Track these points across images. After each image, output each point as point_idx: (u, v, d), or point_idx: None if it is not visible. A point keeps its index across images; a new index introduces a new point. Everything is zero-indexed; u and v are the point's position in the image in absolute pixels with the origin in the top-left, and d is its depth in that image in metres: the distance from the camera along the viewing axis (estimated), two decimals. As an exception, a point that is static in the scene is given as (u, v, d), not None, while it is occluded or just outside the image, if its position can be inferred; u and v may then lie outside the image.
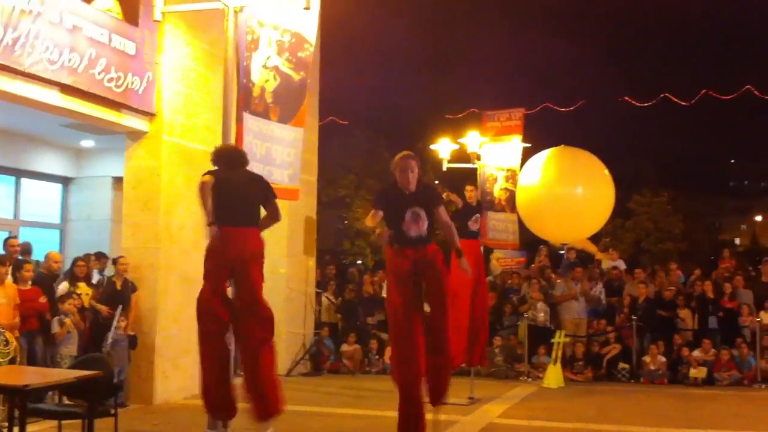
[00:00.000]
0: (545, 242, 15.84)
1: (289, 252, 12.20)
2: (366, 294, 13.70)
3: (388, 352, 12.71)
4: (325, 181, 20.89)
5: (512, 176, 17.21)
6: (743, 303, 12.22)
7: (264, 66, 8.71)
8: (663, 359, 11.74)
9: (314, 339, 12.71)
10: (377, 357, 12.72)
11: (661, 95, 21.01)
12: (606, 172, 14.45)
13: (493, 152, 17.82)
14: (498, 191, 17.66)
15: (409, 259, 6.17)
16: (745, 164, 79.77)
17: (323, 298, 13.53)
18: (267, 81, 8.78)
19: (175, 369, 9.33)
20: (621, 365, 11.97)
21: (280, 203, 10.66)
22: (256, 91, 8.55)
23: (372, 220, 6.27)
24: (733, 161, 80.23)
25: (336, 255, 20.11)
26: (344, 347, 12.75)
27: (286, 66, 8.97)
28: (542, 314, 12.72)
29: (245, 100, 8.17)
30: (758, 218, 70.62)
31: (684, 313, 12.33)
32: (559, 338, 11.60)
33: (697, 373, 11.46)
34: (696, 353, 11.77)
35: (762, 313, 11.99)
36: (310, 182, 12.77)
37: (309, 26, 9.10)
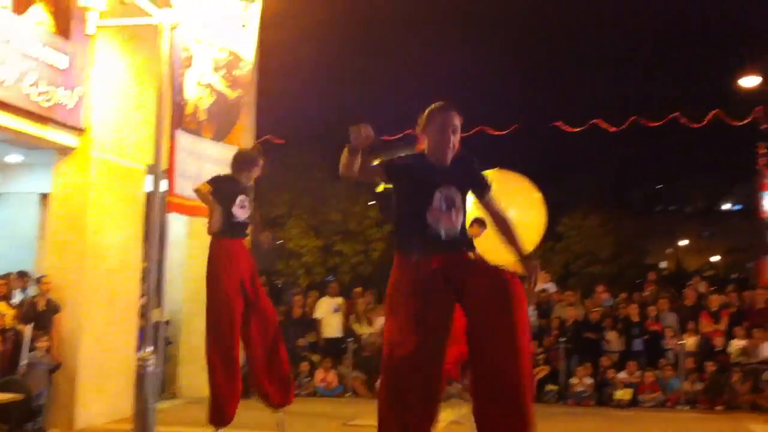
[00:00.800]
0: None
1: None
2: (296, 315, 13.60)
3: (318, 374, 12.65)
4: (259, 201, 20.71)
5: (446, 198, 17.44)
6: (667, 326, 12.55)
7: (198, 83, 8.65)
8: (590, 381, 11.94)
9: (244, 361, 12.52)
10: (307, 379, 12.62)
11: (592, 121, 21.47)
12: (538, 195, 14.71)
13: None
14: (432, 212, 17.88)
15: (436, 273, 4.10)
16: (672, 190, 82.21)
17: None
18: (201, 98, 8.72)
19: (99, 392, 9.10)
20: (549, 387, 12.13)
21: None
22: (189, 109, 8.48)
23: (348, 162, 4.16)
24: (660, 186, 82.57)
25: (269, 275, 19.90)
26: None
27: (222, 84, 8.93)
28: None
29: (178, 117, 8.09)
30: (683, 242, 72.73)
31: (611, 336, 12.59)
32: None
33: (623, 394, 11.69)
34: (621, 375, 12.01)
35: (685, 336, 12.32)
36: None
37: (246, 45, 9.08)
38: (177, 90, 8.05)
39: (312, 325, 13.57)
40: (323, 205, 25.79)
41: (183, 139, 8.22)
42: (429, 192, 4.13)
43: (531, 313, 13.23)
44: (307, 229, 25.59)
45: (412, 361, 3.99)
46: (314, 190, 26.36)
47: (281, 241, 26.03)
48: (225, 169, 7.05)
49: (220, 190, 6.53)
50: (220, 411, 6.75)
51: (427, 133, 4.33)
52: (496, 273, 4.19)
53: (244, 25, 7.73)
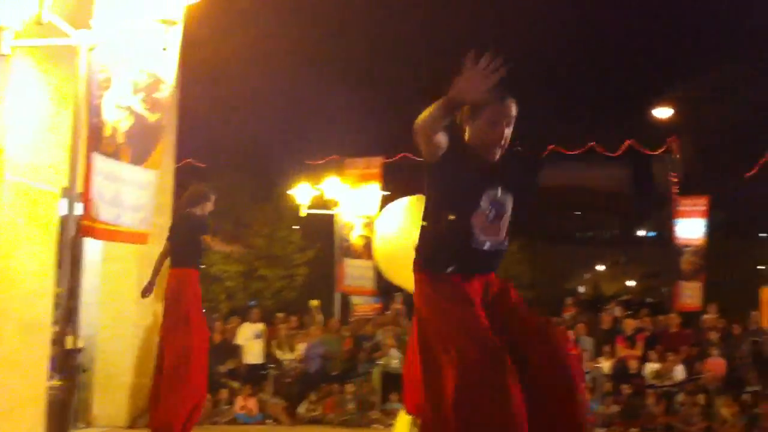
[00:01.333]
0: (401, 288, 16.07)
1: (137, 298, 11.76)
2: (216, 341, 13.38)
3: (238, 401, 12.45)
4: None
5: (370, 224, 17.49)
6: (584, 349, 12.81)
7: (117, 105, 8.48)
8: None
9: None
10: (227, 407, 12.41)
11: (513, 148, 21.89)
12: (459, 221, 14.93)
13: (352, 199, 18.10)
14: (356, 238, 17.90)
15: (475, 295, 3.44)
16: (590, 215, 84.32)
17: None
18: (119, 121, 8.55)
19: (9, 422, 8.75)
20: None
21: (131, 248, 10.38)
22: (107, 131, 8.30)
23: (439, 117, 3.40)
24: (578, 213, 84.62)
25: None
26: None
27: (141, 106, 8.78)
28: (396, 360, 12.84)
29: (95, 140, 7.92)
30: (600, 268, 74.52)
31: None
32: (412, 385, 11.72)
33: (542, 418, 11.84)
34: (541, 399, 12.17)
35: (601, 360, 12.60)
36: (163, 226, 12.43)
37: (167, 66, 8.96)
38: (94, 112, 7.88)
39: (233, 351, 13.39)
40: (246, 229, 25.56)
41: (100, 162, 8.04)
42: (477, 193, 3.47)
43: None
44: (228, 254, 25.27)
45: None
46: (237, 215, 26.13)
47: (203, 266, 25.68)
48: (144, 194, 7.12)
49: (185, 226, 7.16)
50: None
51: (472, 124, 3.57)
52: (554, 342, 3.43)
53: (164, 48, 7.62)
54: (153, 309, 12.25)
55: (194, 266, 7.23)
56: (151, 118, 8.54)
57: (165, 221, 12.43)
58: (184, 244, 7.33)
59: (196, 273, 7.20)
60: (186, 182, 22.86)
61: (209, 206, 7.41)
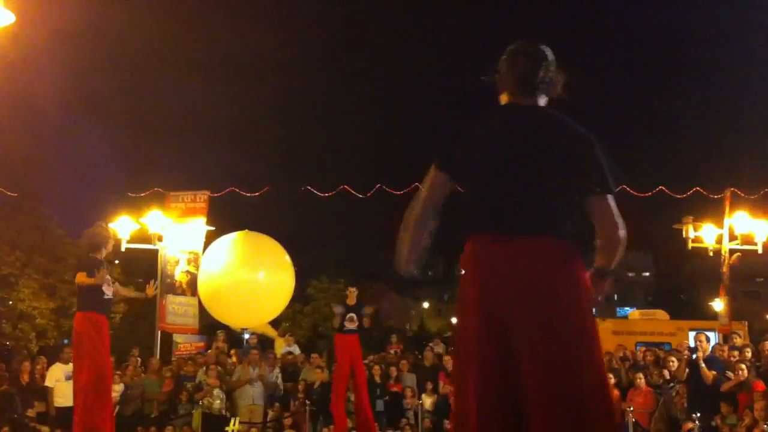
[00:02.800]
0: (225, 326, 15.74)
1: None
2: (23, 382, 12.52)
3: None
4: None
5: (195, 259, 17.06)
6: (407, 386, 13.02)
7: None
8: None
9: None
10: (35, 453, 11.61)
11: (340, 187, 22.15)
12: (287, 258, 14.83)
13: (176, 234, 17.58)
14: (180, 274, 17.38)
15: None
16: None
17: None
18: None
19: None
20: (294, 451, 12.07)
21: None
22: None
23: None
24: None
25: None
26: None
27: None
28: (218, 401, 12.49)
29: None
30: (425, 305, 76.47)
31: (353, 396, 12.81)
32: (233, 426, 11.44)
33: (366, 455, 11.88)
34: (364, 436, 12.23)
35: (424, 396, 12.84)
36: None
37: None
38: None
39: (42, 393, 12.55)
40: (60, 264, 24.18)
41: None
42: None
43: (276, 375, 13.18)
44: (39, 290, 23.80)
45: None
46: (50, 249, 24.70)
47: (10, 302, 24.02)
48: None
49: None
50: None
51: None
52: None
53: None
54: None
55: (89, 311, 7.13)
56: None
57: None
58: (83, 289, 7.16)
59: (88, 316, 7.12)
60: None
61: (110, 247, 7.36)
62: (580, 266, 3.04)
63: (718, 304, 18.43)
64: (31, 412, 12.25)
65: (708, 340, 11.56)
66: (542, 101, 3.24)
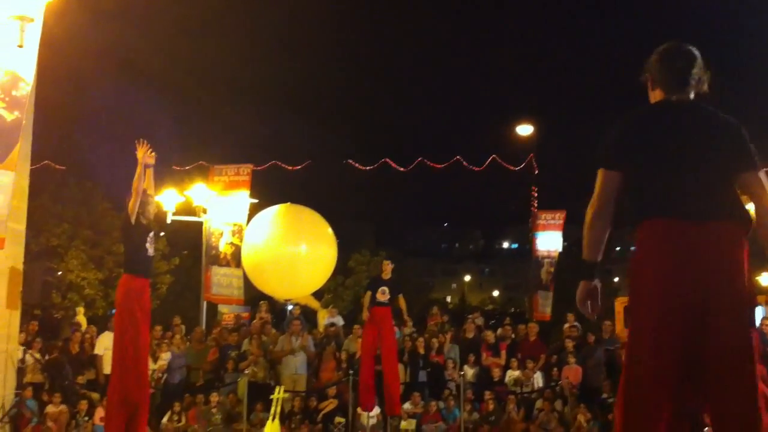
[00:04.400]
0: (269, 297, 15.96)
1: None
2: (73, 352, 12.86)
3: (98, 413, 11.99)
4: (33, 230, 19.45)
5: (239, 231, 17.24)
6: (449, 358, 13.10)
7: (-30, 102, 8.05)
8: (377, 412, 12.18)
9: (15, 400, 11.64)
10: (86, 419, 11.93)
11: (382, 160, 22.20)
12: (329, 230, 14.94)
13: (220, 207, 17.79)
14: (224, 246, 17.59)
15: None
16: (455, 228, 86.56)
17: (27, 356, 12.48)
18: (-27, 118, 8.11)
19: None
20: (337, 419, 12.24)
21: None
22: (-43, 129, 7.86)
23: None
24: (445, 225, 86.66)
25: (45, 309, 18.69)
26: (49, 408, 11.80)
27: (-2, 104, 8.35)
28: (263, 370, 12.71)
29: (-56, 137, 7.48)
30: (466, 278, 76.54)
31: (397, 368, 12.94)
32: (278, 394, 11.63)
33: (407, 425, 12.02)
34: (406, 406, 12.36)
35: (466, 367, 12.92)
36: (18, 231, 11.80)
37: (26, 64, 8.57)
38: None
39: (91, 361, 12.89)
40: (105, 236, 24.62)
41: (-51, 161, 7.59)
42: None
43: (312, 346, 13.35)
44: (87, 261, 24.27)
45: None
46: (95, 222, 25.15)
47: (60, 272, 24.54)
48: (1, 197, 6.84)
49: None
50: None
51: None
52: None
53: (21, 45, 7.29)
54: (7, 318, 11.64)
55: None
56: (9, 117, 8.14)
57: (20, 226, 11.83)
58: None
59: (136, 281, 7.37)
60: (42, 186, 21.83)
61: (152, 210, 7.53)
62: (747, 249, 3.33)
63: None
64: (81, 380, 12.59)
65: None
66: (692, 96, 3.55)
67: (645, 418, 3.25)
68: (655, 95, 3.62)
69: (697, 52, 3.57)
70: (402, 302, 11.50)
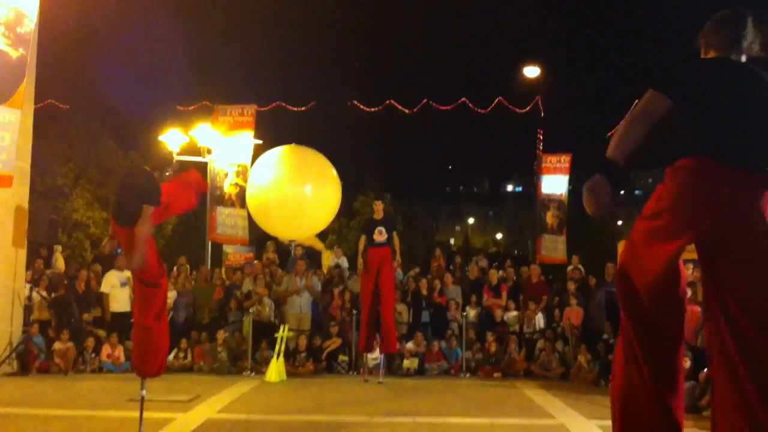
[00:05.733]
0: (273, 238, 16.04)
1: (-5, 242, 11.28)
2: (80, 290, 13.00)
3: (105, 349, 12.19)
4: (39, 169, 19.50)
5: (243, 172, 17.27)
6: (451, 299, 13.24)
7: (-27, 39, 8.00)
8: (378, 351, 12.34)
9: (22, 337, 11.84)
10: (93, 355, 12.13)
11: (387, 102, 22.05)
12: (334, 172, 14.96)
13: (225, 147, 17.79)
14: (229, 186, 17.64)
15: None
16: (460, 171, 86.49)
17: (34, 294, 12.64)
18: (-24, 55, 8.08)
19: None
20: (341, 358, 12.42)
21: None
22: (-39, 66, 7.83)
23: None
24: (450, 168, 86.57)
25: (51, 248, 18.79)
26: (57, 345, 12.00)
27: (2, 42, 8.31)
28: (267, 309, 12.86)
29: (-52, 74, 7.46)
30: (470, 221, 76.74)
31: (400, 308, 13.09)
32: (283, 332, 11.80)
33: (410, 363, 12.21)
34: (409, 345, 12.54)
35: (468, 308, 13.05)
36: (23, 169, 11.86)
37: (30, 0, 8.51)
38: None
39: (97, 299, 13.05)
40: (111, 176, 24.69)
41: (-47, 98, 7.58)
42: None
43: (318, 285, 13.45)
44: (93, 201, 24.37)
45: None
46: (101, 161, 25.17)
47: (64, 212, 24.66)
48: (6, 135, 6.82)
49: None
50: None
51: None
52: None
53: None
54: (14, 257, 11.76)
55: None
56: (14, 54, 8.11)
57: (25, 164, 11.86)
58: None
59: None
60: (46, 124, 21.80)
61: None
62: None
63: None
64: (87, 317, 12.77)
65: None
66: (743, 59, 3.69)
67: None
68: (710, 55, 3.75)
69: (748, 16, 3.69)
70: (396, 240, 11.44)
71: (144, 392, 6.69)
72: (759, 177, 3.37)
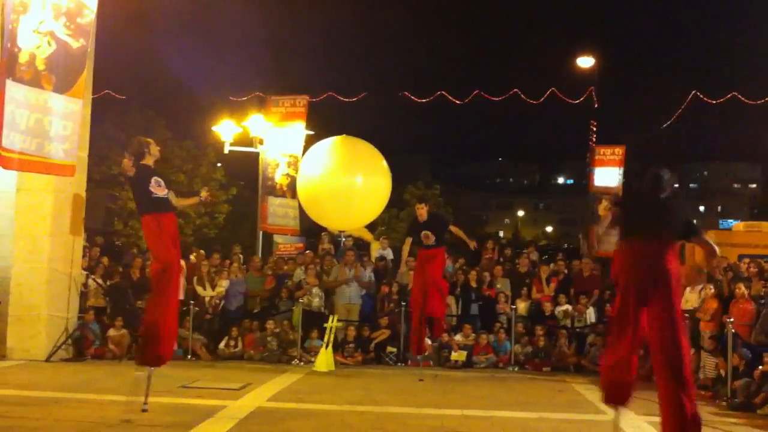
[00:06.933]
0: (325, 229, 16.12)
1: (53, 230, 11.53)
2: (135, 277, 13.23)
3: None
4: (96, 158, 19.89)
5: (294, 162, 17.38)
6: (500, 291, 13.16)
7: (36, 31, 8.16)
8: (429, 343, 12.33)
9: (78, 323, 12.11)
10: (147, 341, 12.34)
11: (438, 93, 21.98)
12: (384, 162, 14.96)
13: (277, 138, 17.91)
14: (280, 177, 17.77)
15: None
16: (511, 163, 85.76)
17: (90, 281, 12.91)
18: (39, 47, 8.24)
19: None
20: (389, 349, 12.45)
21: (46, 180, 10.06)
22: (23, 58, 8.01)
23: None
24: (500, 159, 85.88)
25: (107, 236, 19.19)
26: (111, 332, 12.24)
27: (64, 32, 8.46)
28: (317, 299, 12.94)
29: (9, 66, 7.63)
30: (520, 213, 76.16)
31: (449, 300, 13.05)
32: (332, 323, 11.86)
33: (458, 356, 12.18)
34: (458, 338, 12.51)
35: (517, 301, 12.97)
36: (81, 158, 12.08)
37: (88, -9, 8.66)
38: (9, 37, 7.58)
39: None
40: (166, 165, 25.07)
41: (15, 90, 7.76)
42: None
43: (370, 276, 13.45)
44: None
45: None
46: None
47: (120, 200, 25.11)
48: (68, 124, 7.01)
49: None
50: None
51: None
52: None
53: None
54: (71, 244, 12.02)
55: (147, 213, 7.26)
56: (75, 44, 8.26)
57: (83, 153, 12.10)
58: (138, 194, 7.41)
59: (147, 217, 7.23)
60: (103, 114, 22.17)
61: (155, 154, 7.44)
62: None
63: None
64: (141, 304, 12.98)
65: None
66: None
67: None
68: None
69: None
70: (457, 231, 10.97)
71: (138, 375, 7.00)
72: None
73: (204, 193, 8.14)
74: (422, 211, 10.76)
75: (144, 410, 7.14)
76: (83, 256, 12.82)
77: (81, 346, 12.07)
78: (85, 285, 12.80)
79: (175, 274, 7.44)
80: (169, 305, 7.35)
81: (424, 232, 10.60)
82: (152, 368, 7.26)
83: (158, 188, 7.34)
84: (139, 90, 25.79)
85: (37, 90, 7.90)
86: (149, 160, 7.43)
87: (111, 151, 24.36)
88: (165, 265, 7.24)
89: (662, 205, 6.08)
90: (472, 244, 11.36)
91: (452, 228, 11.02)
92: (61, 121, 7.93)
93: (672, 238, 5.97)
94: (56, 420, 6.96)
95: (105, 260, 13.56)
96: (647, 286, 5.81)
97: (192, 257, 14.18)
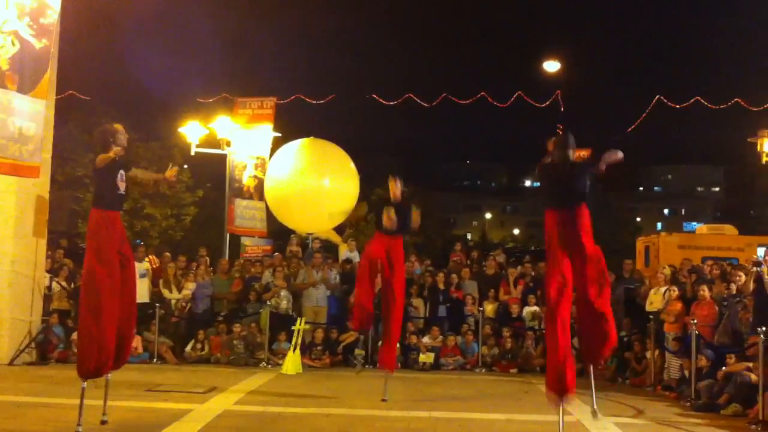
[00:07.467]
0: (293, 231, 16.07)
1: (15, 232, 11.37)
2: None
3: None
4: (60, 159, 19.62)
5: (262, 164, 17.33)
6: (468, 293, 13.21)
7: (-1, 30, 8.06)
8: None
9: (42, 326, 11.94)
10: (112, 345, 12.20)
11: (406, 95, 22.01)
12: (352, 165, 14.96)
13: (244, 139, 17.84)
14: (247, 179, 17.71)
15: None
16: (479, 165, 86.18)
17: (54, 284, 12.73)
18: (3, 46, 8.15)
19: None
20: (357, 351, 12.44)
21: (7, 179, 9.89)
22: (-14, 57, 7.90)
23: None
24: (468, 162, 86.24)
25: (71, 238, 18.93)
26: (75, 335, 12.06)
27: (27, 32, 8.37)
28: (285, 302, 12.89)
29: (-29, 65, 7.52)
30: (488, 215, 76.53)
31: (417, 302, 13.08)
32: (299, 325, 11.82)
33: (426, 358, 12.21)
34: (425, 339, 12.54)
35: (485, 303, 13.02)
36: (45, 160, 11.91)
37: (51, -9, 8.56)
38: (-30, 35, 7.46)
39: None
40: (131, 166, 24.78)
41: (-23, 88, 7.63)
42: None
43: (335, 278, 13.41)
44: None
45: None
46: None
47: (85, 203, 24.79)
48: (32, 125, 6.80)
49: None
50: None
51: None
52: None
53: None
54: (34, 246, 11.85)
55: (105, 208, 6.59)
56: (38, 44, 8.18)
57: (46, 155, 11.93)
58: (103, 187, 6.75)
59: (103, 213, 6.58)
60: (67, 116, 21.88)
61: (123, 143, 6.93)
62: None
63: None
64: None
65: (776, 255, 11.35)
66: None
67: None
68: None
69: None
70: (415, 215, 9.48)
71: (84, 385, 6.69)
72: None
73: (170, 172, 7.55)
74: (396, 191, 9.47)
75: (103, 422, 6.87)
76: (47, 259, 12.65)
77: (45, 349, 11.90)
78: (49, 288, 12.63)
79: (110, 279, 6.68)
80: (102, 313, 6.62)
81: (392, 213, 9.13)
82: (84, 381, 6.79)
83: (122, 183, 6.89)
84: (104, 91, 25.49)
85: (1, 90, 7.79)
86: (117, 151, 6.86)
87: (75, 153, 24.04)
88: (96, 269, 6.59)
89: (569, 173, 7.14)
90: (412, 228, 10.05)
91: (414, 214, 9.57)
92: (25, 121, 7.84)
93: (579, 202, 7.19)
94: (19, 425, 6.85)
95: (69, 262, 13.35)
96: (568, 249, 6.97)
97: (155, 259, 14.03)
